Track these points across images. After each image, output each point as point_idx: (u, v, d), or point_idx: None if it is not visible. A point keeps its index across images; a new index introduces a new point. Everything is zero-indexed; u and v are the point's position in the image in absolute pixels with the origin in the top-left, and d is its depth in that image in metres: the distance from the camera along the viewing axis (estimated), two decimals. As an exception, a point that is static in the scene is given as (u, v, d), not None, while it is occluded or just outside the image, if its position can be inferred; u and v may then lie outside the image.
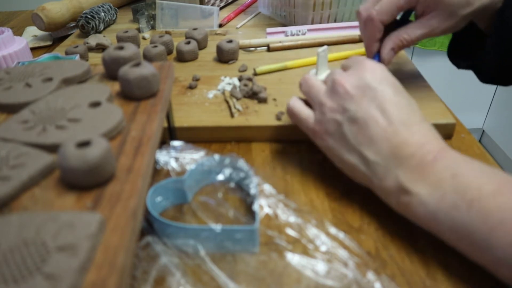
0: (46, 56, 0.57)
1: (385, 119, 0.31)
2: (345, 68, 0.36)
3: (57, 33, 0.74)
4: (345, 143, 0.32)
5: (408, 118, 0.31)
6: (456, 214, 0.26)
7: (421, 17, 0.41)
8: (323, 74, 0.45)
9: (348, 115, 0.32)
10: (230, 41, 0.56)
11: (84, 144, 0.24)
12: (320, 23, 0.67)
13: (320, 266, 0.28)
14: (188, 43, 0.57)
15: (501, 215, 0.25)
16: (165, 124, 0.40)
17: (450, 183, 0.27)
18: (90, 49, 0.63)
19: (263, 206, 0.32)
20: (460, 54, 0.50)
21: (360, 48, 0.57)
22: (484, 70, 0.47)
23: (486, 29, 0.44)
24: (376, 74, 0.33)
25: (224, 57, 0.56)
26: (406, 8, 0.41)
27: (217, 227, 0.28)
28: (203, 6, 0.70)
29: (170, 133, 0.41)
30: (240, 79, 0.50)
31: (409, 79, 0.50)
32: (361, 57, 0.35)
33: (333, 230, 0.31)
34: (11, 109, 0.32)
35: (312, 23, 0.66)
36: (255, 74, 0.52)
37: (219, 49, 0.56)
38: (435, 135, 0.31)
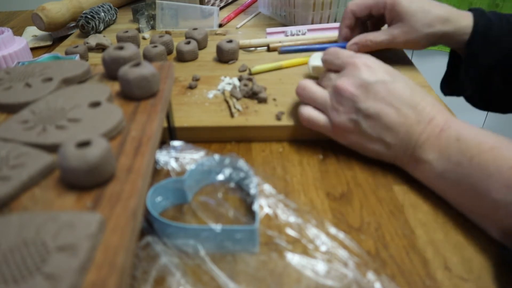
0: (46, 56, 0.57)
1: (393, 108, 0.34)
2: (333, 67, 0.39)
3: (57, 33, 0.74)
4: (366, 136, 0.36)
5: (411, 99, 0.34)
6: (459, 170, 0.31)
7: (388, 27, 0.49)
8: (317, 59, 0.48)
9: (361, 113, 0.35)
10: (230, 41, 0.56)
11: (84, 144, 0.24)
12: (320, 23, 0.67)
13: (320, 266, 0.28)
14: (188, 43, 0.57)
15: (497, 163, 0.29)
16: (165, 124, 0.40)
17: (455, 145, 0.32)
18: (90, 49, 0.63)
19: (263, 206, 0.32)
20: (449, 83, 0.55)
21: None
22: (472, 98, 0.52)
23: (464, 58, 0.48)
24: (369, 69, 0.36)
25: (224, 57, 0.56)
26: (374, 8, 0.49)
27: (217, 227, 0.28)
28: (203, 6, 0.70)
29: (170, 133, 0.41)
30: (240, 79, 0.50)
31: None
32: (347, 54, 0.38)
33: (333, 230, 0.31)
34: (11, 109, 0.32)
35: (312, 23, 0.66)
36: (250, 73, 0.53)
37: (219, 49, 0.56)
38: (438, 107, 0.35)
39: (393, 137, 0.35)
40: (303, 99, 0.40)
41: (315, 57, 0.50)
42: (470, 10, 0.47)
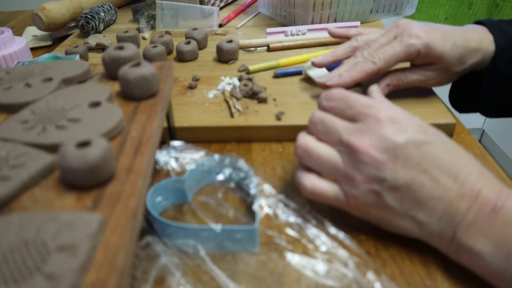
0: (46, 56, 0.57)
1: (429, 178, 0.27)
2: (342, 115, 0.31)
3: (57, 33, 0.74)
4: (391, 211, 0.28)
5: (451, 165, 0.27)
6: None
7: (418, 67, 0.43)
8: (315, 70, 0.47)
9: (386, 184, 0.28)
10: (230, 41, 0.56)
11: (84, 144, 0.24)
12: (320, 23, 0.67)
13: (320, 266, 0.28)
14: (188, 43, 0.57)
15: None
16: (165, 124, 0.40)
17: None
18: (90, 49, 0.63)
19: (263, 206, 0.32)
20: (461, 98, 0.51)
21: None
22: (487, 110, 0.49)
23: (482, 70, 0.45)
24: (397, 126, 0.28)
25: (224, 57, 0.56)
26: (404, 59, 0.42)
27: (217, 227, 0.28)
28: (203, 6, 0.70)
29: (170, 133, 0.41)
30: (240, 79, 0.50)
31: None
32: (362, 102, 0.30)
33: (333, 230, 0.31)
34: (11, 109, 0.32)
35: (312, 23, 0.66)
36: (248, 72, 0.53)
37: (219, 49, 0.56)
38: (487, 175, 0.27)
39: (427, 214, 0.27)
40: (305, 163, 0.31)
41: (311, 66, 0.49)
42: (478, 23, 0.44)
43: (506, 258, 0.24)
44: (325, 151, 0.30)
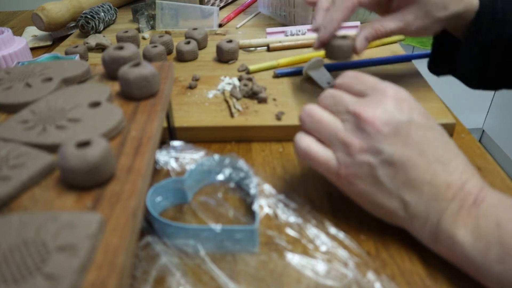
0: (46, 56, 0.57)
1: (424, 161, 0.27)
2: (351, 91, 0.31)
3: (57, 33, 0.74)
4: (381, 188, 0.28)
5: (443, 154, 0.28)
6: (501, 268, 0.24)
7: (396, 11, 0.42)
8: (315, 70, 0.47)
9: (382, 157, 0.28)
10: (230, 41, 0.56)
11: (84, 144, 0.24)
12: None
13: (320, 266, 0.28)
14: (188, 43, 0.57)
15: None
16: (165, 124, 0.40)
17: (495, 233, 0.25)
18: (90, 49, 0.63)
19: (263, 206, 0.32)
20: (440, 63, 0.50)
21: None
22: (468, 77, 0.47)
23: (462, 37, 0.44)
24: (403, 105, 0.29)
25: (224, 57, 0.56)
26: None
27: (217, 227, 0.28)
28: (203, 6, 0.70)
29: (170, 133, 0.41)
30: (240, 79, 0.50)
31: (409, 79, 0.50)
32: (373, 80, 0.31)
33: (333, 230, 0.31)
34: (11, 109, 0.32)
35: (312, 23, 0.66)
36: (248, 72, 0.53)
37: (219, 49, 0.56)
38: (471, 170, 0.28)
39: (415, 196, 0.27)
40: (306, 127, 0.32)
41: (311, 65, 0.49)
42: None
43: (483, 250, 0.25)
44: (328, 117, 0.31)
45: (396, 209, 0.28)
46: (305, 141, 0.31)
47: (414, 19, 0.41)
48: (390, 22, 0.41)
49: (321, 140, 0.31)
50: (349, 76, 0.32)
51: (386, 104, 0.29)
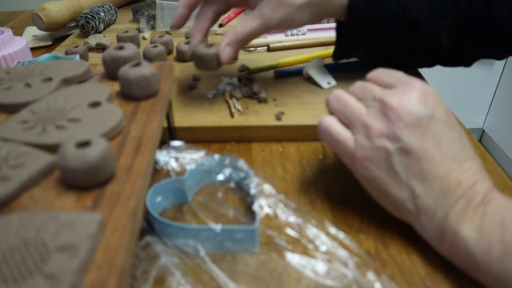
0: (46, 56, 0.57)
1: (440, 155, 0.28)
2: (382, 84, 0.32)
3: (57, 33, 0.74)
4: (393, 175, 0.29)
5: (459, 153, 0.28)
6: (501, 267, 0.24)
7: (256, 8, 0.40)
8: (316, 70, 0.46)
9: (400, 145, 0.28)
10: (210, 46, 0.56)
11: (84, 144, 0.24)
12: (320, 23, 0.67)
13: (320, 266, 0.28)
14: (188, 43, 0.57)
15: None
16: (165, 124, 0.40)
17: (498, 232, 0.25)
18: (90, 49, 0.63)
19: (263, 206, 0.32)
20: (341, 50, 0.48)
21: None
22: (360, 57, 0.47)
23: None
24: (428, 99, 0.29)
25: (203, 64, 0.55)
26: None
27: (217, 227, 0.28)
28: (203, 6, 0.70)
29: (170, 133, 0.41)
30: (240, 79, 0.50)
31: (409, 79, 0.50)
32: (404, 75, 0.31)
33: (333, 230, 0.31)
34: (11, 109, 0.32)
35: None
36: (249, 72, 0.53)
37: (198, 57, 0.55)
38: (484, 173, 0.28)
39: (426, 189, 0.28)
40: (331, 108, 0.33)
41: (311, 65, 0.49)
42: None
43: (485, 248, 0.25)
44: (355, 101, 0.31)
45: (404, 200, 0.29)
46: (327, 119, 0.32)
47: (273, 11, 0.39)
48: (250, 21, 0.40)
49: (344, 123, 0.32)
50: (379, 71, 0.33)
51: (412, 95, 0.29)
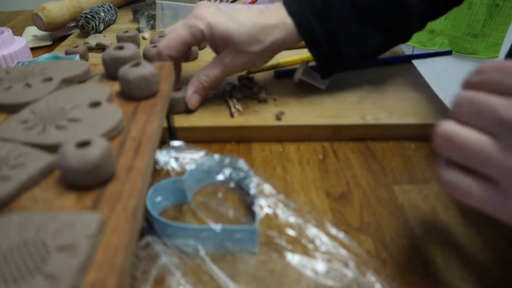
0: (46, 56, 0.57)
1: None
2: (499, 89, 0.22)
3: (57, 33, 0.74)
4: None
5: None
6: None
7: (215, 58, 0.43)
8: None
9: None
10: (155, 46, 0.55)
11: (84, 144, 0.24)
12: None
13: (320, 266, 0.28)
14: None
15: None
16: (165, 124, 0.40)
17: None
18: (90, 49, 0.63)
19: (263, 206, 0.32)
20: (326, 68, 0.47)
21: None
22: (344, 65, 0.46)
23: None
24: None
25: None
26: (194, 44, 0.42)
27: (217, 227, 0.28)
28: (203, 6, 0.70)
29: (170, 133, 0.41)
30: (240, 79, 0.50)
31: (409, 79, 0.50)
32: None
33: (333, 230, 0.31)
34: (11, 109, 0.32)
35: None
36: (249, 72, 0.52)
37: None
38: None
39: None
40: (445, 154, 0.24)
41: (300, 71, 0.48)
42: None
43: None
44: (473, 136, 0.22)
45: None
46: (450, 175, 0.23)
47: (233, 59, 0.41)
48: (212, 70, 0.42)
49: (466, 165, 0.23)
50: (489, 71, 0.23)
51: None
